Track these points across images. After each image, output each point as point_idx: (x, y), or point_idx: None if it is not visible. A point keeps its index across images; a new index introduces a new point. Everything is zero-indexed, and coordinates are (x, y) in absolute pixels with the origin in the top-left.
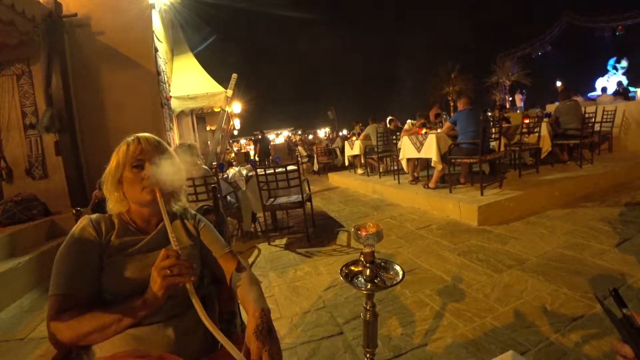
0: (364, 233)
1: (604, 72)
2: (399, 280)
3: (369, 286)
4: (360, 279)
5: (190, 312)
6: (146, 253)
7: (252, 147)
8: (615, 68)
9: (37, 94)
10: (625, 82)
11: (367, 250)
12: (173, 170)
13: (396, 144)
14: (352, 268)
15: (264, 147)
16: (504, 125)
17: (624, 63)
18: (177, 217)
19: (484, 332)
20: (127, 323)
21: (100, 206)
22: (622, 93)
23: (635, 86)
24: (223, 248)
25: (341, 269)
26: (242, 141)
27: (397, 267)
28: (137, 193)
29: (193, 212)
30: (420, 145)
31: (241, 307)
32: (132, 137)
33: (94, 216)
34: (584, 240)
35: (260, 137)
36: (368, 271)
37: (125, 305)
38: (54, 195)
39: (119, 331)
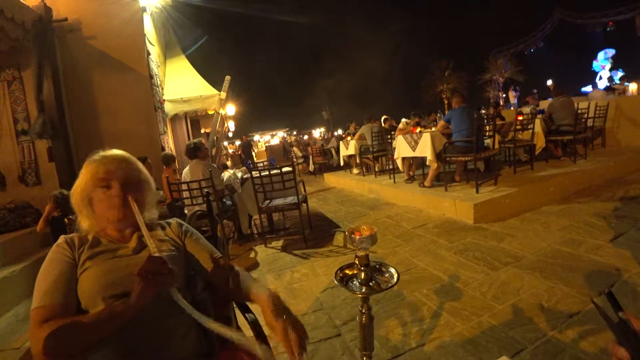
0: (358, 236)
1: (595, 74)
2: (393, 283)
3: (363, 289)
4: (355, 282)
5: (181, 314)
6: (118, 257)
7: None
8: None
9: (29, 100)
10: (619, 74)
11: (361, 253)
12: (141, 184)
13: (391, 143)
14: (347, 271)
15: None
16: (498, 122)
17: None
18: (156, 227)
19: (481, 331)
20: (112, 328)
21: (57, 222)
22: (613, 88)
23: (628, 81)
24: (213, 254)
25: (336, 273)
26: (238, 142)
27: (392, 270)
28: (106, 211)
29: (179, 221)
30: (415, 144)
31: (237, 312)
32: (97, 156)
33: (69, 235)
34: (580, 236)
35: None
36: (363, 274)
37: (108, 309)
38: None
39: (103, 336)
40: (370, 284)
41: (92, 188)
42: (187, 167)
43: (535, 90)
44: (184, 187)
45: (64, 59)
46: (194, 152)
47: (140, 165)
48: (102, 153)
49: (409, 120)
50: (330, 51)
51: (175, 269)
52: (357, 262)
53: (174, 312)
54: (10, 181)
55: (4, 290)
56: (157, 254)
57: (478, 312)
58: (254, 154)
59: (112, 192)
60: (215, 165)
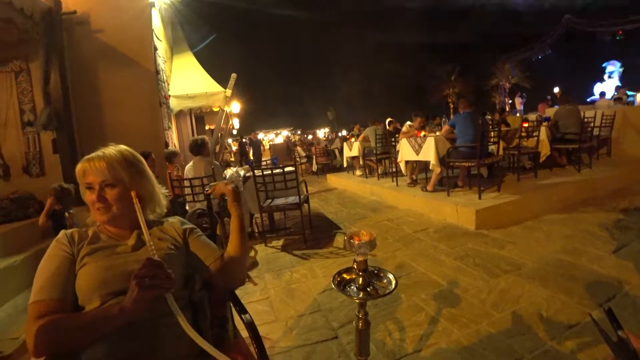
0: (357, 241)
1: (602, 75)
2: (391, 289)
3: (361, 295)
4: (352, 287)
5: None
6: (117, 254)
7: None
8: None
9: (35, 92)
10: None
11: (360, 258)
12: (134, 182)
13: (395, 146)
14: (345, 276)
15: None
16: (503, 128)
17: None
18: (157, 224)
19: (479, 339)
20: (105, 330)
21: (58, 216)
22: (620, 98)
23: (634, 90)
24: (214, 253)
25: (334, 277)
26: (243, 140)
27: (390, 276)
28: (93, 213)
29: (181, 219)
30: (418, 147)
31: (234, 312)
32: (87, 156)
33: (69, 230)
34: (581, 246)
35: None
36: (360, 279)
37: (102, 311)
38: None
39: (95, 336)
40: (368, 289)
41: (82, 189)
42: (190, 163)
43: (549, 97)
44: (187, 183)
45: (72, 52)
46: (198, 148)
47: (135, 160)
48: (100, 151)
49: (412, 123)
50: (338, 52)
51: (172, 274)
52: (355, 267)
53: (170, 312)
54: (14, 171)
55: (4, 281)
56: (155, 257)
57: (476, 320)
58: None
59: (93, 195)
60: (217, 163)
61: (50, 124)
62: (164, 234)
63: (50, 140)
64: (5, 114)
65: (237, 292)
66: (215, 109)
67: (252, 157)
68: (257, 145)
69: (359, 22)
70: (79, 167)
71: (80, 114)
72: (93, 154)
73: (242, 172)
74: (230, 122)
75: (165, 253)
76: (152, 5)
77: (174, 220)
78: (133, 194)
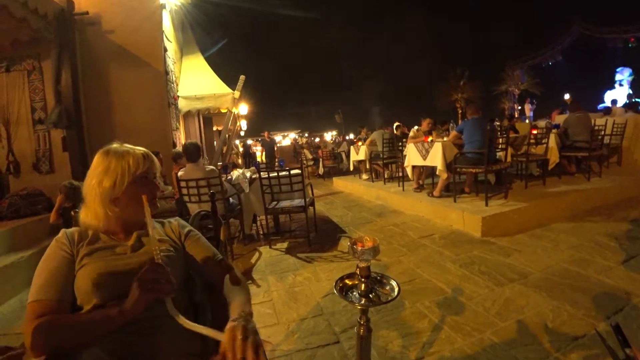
0: (359, 248)
1: (613, 83)
2: (394, 296)
3: (363, 301)
4: (355, 293)
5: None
6: (116, 255)
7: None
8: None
9: (47, 90)
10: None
11: (362, 264)
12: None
13: (402, 150)
14: (347, 281)
15: (270, 149)
16: (512, 135)
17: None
18: (157, 225)
19: (482, 348)
20: (104, 331)
21: (68, 213)
22: (632, 106)
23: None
24: (213, 256)
25: (336, 282)
26: (249, 142)
27: (393, 283)
28: (140, 206)
29: (181, 221)
30: (426, 153)
31: None
32: (138, 152)
33: (70, 230)
34: (589, 256)
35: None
36: (363, 286)
37: (102, 312)
38: None
39: (94, 337)
40: (370, 295)
41: (129, 184)
42: (186, 168)
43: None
44: (192, 184)
45: (83, 52)
46: (196, 154)
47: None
48: (134, 148)
49: (419, 127)
50: (346, 55)
51: (173, 279)
52: (358, 273)
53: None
54: (24, 168)
55: (11, 276)
56: (159, 261)
57: (480, 328)
58: (258, 153)
59: (153, 188)
60: (215, 168)
61: (61, 122)
62: (164, 235)
63: (60, 138)
64: (17, 112)
65: None
66: (223, 111)
67: (263, 159)
68: (270, 145)
69: (367, 27)
70: (130, 162)
71: (90, 113)
72: (139, 148)
73: (248, 174)
74: (238, 124)
75: (165, 255)
76: (163, 7)
77: (174, 222)
78: (144, 197)
